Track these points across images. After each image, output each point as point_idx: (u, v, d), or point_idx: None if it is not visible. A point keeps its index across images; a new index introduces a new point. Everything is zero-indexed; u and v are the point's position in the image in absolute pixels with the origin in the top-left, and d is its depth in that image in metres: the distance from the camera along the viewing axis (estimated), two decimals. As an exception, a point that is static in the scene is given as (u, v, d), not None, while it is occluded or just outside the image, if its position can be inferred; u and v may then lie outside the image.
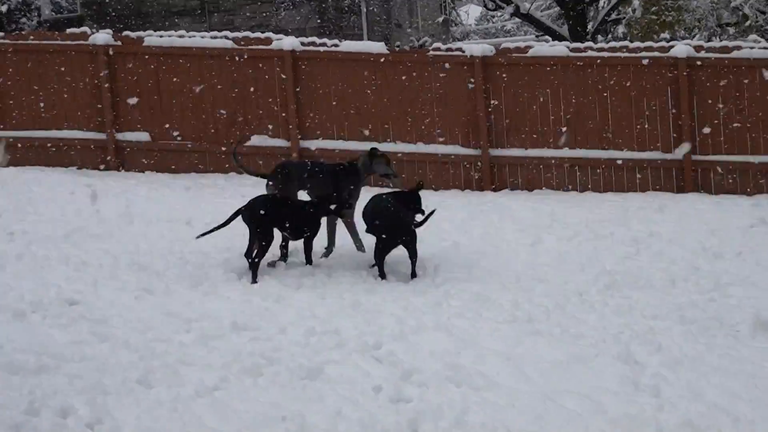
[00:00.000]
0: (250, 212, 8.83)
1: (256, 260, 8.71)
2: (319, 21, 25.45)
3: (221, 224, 9.03)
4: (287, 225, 8.95)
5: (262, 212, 8.79)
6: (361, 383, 6.06)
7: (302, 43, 14.56)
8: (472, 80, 14.07)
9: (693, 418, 5.65)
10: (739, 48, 13.92)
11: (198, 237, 9.14)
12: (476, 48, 14.46)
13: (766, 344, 7.11)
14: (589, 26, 24.30)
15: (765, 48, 14.19)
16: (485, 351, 6.75)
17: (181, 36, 15.20)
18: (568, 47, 14.53)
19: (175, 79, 14.56)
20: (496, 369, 6.39)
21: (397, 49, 16.85)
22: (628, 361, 6.65)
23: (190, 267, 8.92)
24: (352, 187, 9.62)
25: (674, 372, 6.45)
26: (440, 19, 30.85)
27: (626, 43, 15.11)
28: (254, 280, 8.60)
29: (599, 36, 25.70)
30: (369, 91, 14.38)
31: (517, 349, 6.86)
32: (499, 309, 7.93)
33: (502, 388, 6.07)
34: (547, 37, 24.40)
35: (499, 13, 29.96)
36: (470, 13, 44.31)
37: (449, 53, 14.52)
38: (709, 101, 13.71)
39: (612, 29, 27.85)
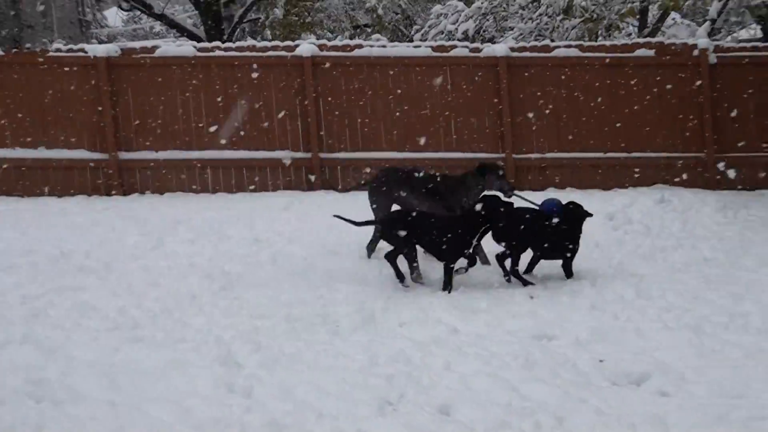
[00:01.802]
0: None
1: None
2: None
3: None
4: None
5: None
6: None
7: None
8: (95, 81, 13.58)
9: (278, 417, 5.62)
10: (360, 46, 14.36)
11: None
12: (100, 48, 13.98)
13: (365, 338, 7.26)
14: (231, 28, 24.23)
15: (384, 46, 14.74)
16: (76, 362, 6.41)
17: None
18: (195, 47, 14.36)
19: None
20: (85, 380, 6.07)
21: (14, 51, 15.92)
22: (228, 363, 6.56)
23: None
24: None
25: (270, 371, 6.42)
26: (78, 20, 29.73)
27: (254, 42, 15.16)
28: None
29: (248, 38, 25.74)
30: (-16, 93, 13.55)
31: (113, 358, 6.58)
32: (102, 317, 7.62)
33: (87, 401, 5.76)
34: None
35: (140, 15, 29.24)
36: (118, 15, 43.01)
37: (71, 54, 13.94)
38: (330, 99, 14.04)
39: (259, 31, 28.02)
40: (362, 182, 11.27)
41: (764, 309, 7.94)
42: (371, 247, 10.13)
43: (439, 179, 10.28)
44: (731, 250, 10.38)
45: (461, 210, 9.78)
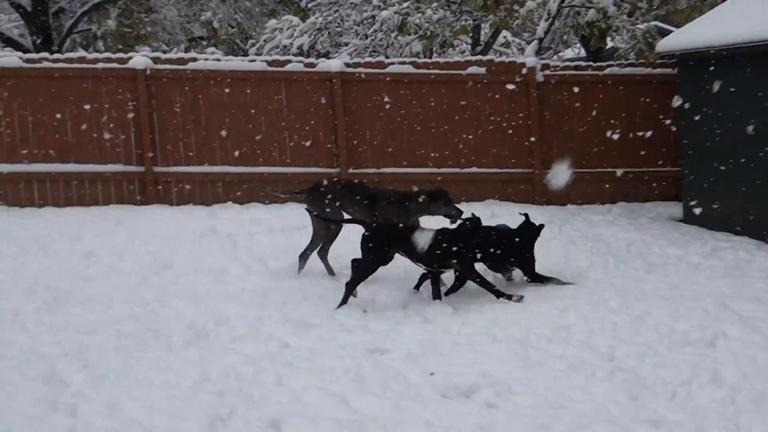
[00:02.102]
0: None
1: None
2: None
3: None
4: None
5: None
6: None
7: None
8: None
9: (106, 435, 5.51)
10: (195, 60, 14.19)
11: None
12: None
13: (197, 354, 7.18)
14: (61, 39, 23.56)
15: (219, 60, 14.63)
16: None
17: None
18: (21, 58, 13.87)
19: None
20: None
21: None
22: (52, 381, 6.39)
23: None
24: None
25: (97, 389, 6.27)
26: None
27: (85, 54, 14.77)
28: None
29: (80, 50, 25.05)
30: None
31: None
32: None
33: None
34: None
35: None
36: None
37: None
38: (164, 113, 13.82)
39: (92, 42, 27.32)
40: (297, 192, 11.07)
41: (586, 321, 8.23)
42: (303, 260, 10.21)
43: (381, 193, 10.40)
44: (556, 264, 10.70)
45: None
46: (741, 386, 6.48)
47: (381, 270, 9.12)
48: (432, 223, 9.77)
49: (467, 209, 12.97)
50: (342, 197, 10.26)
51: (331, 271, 10.14)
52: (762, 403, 6.14)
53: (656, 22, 21.95)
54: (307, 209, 10.17)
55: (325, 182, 10.54)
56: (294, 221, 12.02)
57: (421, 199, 10.12)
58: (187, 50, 24.84)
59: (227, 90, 13.99)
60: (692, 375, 6.74)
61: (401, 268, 9.60)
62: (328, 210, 10.15)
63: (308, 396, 6.27)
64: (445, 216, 10.10)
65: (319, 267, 10.20)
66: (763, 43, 12.32)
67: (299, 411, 6.01)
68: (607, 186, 15.23)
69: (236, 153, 14.05)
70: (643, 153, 15.22)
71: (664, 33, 20.27)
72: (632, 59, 17.79)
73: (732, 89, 13.18)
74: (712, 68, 13.53)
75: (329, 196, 10.23)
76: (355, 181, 10.82)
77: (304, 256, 10.24)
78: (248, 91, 14.08)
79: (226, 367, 6.80)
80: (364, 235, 9.00)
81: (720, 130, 13.56)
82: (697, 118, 13.97)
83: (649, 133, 14.97)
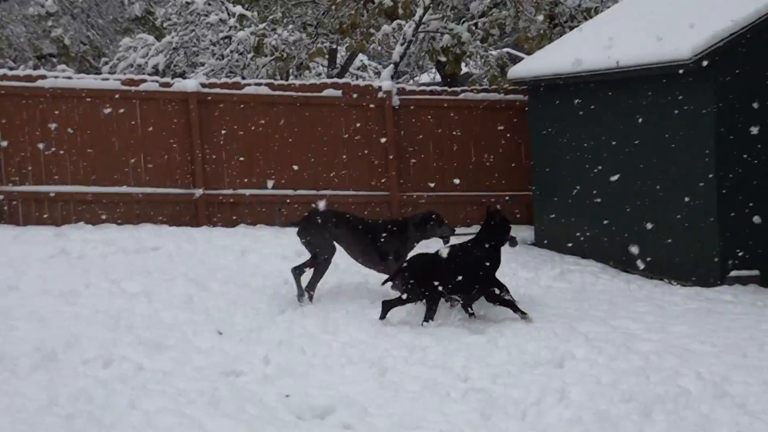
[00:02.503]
0: None
1: None
2: None
3: None
4: None
5: None
6: None
7: None
8: None
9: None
10: (44, 77, 13.82)
11: None
12: None
13: (44, 377, 6.94)
14: None
15: (70, 78, 14.28)
16: None
17: None
18: None
19: None
20: None
21: None
22: None
23: None
24: None
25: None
26: None
27: None
28: None
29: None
30: None
31: None
32: None
33: None
34: None
35: None
36: None
37: None
38: (12, 131, 13.45)
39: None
40: (293, 221, 10.71)
41: (441, 342, 8.33)
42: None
43: (380, 225, 10.29)
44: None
45: (395, 257, 9.94)
46: (587, 405, 6.67)
47: (240, 292, 9.04)
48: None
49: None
50: (337, 228, 10.11)
51: (301, 293, 9.96)
52: (605, 422, 6.35)
53: (508, 49, 22.53)
54: (303, 242, 10.09)
55: (320, 212, 10.32)
56: (147, 242, 11.82)
57: (417, 224, 10.15)
58: (35, 67, 24.13)
59: (78, 108, 13.68)
60: (542, 395, 6.90)
61: (258, 293, 9.54)
62: (321, 241, 9.99)
63: (162, 419, 6.14)
64: (439, 237, 10.15)
65: (169, 293, 9.95)
66: (603, 72, 12.76)
67: (152, 435, 5.89)
68: (468, 209, 15.50)
69: (91, 173, 13.75)
70: (498, 177, 15.57)
71: (515, 59, 20.86)
72: (486, 85, 18.19)
73: (577, 115, 13.64)
74: (559, 94, 13.97)
75: (324, 228, 10.06)
76: (347, 214, 10.74)
77: (311, 286, 10.03)
78: (101, 109, 13.78)
79: (77, 390, 6.60)
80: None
81: (565, 156, 14.00)
82: (545, 143, 14.40)
83: (504, 158, 15.34)
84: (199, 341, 8.20)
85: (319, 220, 10.10)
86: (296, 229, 10.15)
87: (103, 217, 13.63)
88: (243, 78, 17.00)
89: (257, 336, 8.50)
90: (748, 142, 11.49)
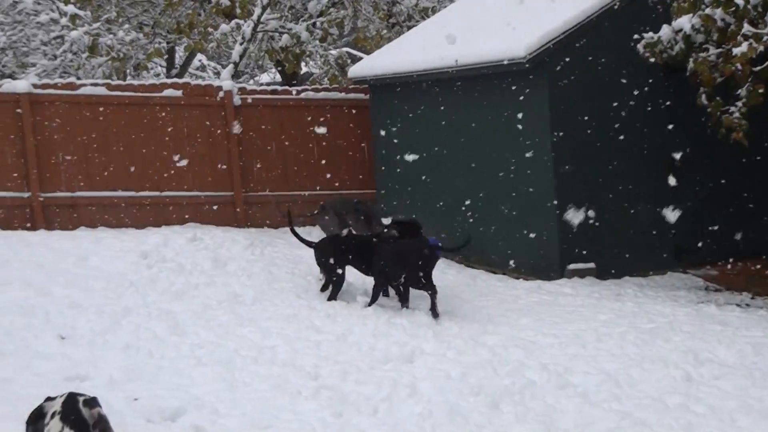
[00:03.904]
0: None
1: None
2: None
3: None
4: None
5: None
6: None
7: None
8: None
9: None
10: None
11: None
12: None
13: None
14: None
15: None
16: None
17: None
18: None
19: None
20: None
21: None
22: None
23: None
24: None
25: None
26: None
27: None
28: None
29: None
30: None
31: None
32: None
33: None
34: None
35: None
36: None
37: None
38: None
39: None
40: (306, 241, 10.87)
41: (290, 342, 8.32)
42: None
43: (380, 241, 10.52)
44: (259, 286, 10.70)
45: None
46: (437, 399, 6.79)
47: (83, 296, 8.76)
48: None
49: (168, 234, 12.84)
50: (350, 250, 10.40)
51: None
52: (456, 416, 6.45)
53: (347, 49, 22.59)
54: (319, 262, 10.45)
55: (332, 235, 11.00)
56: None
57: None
58: None
59: None
60: (393, 390, 6.98)
61: (102, 296, 9.27)
62: (331, 261, 10.29)
63: (0, 427, 5.88)
64: None
65: (3, 298, 9.52)
66: (442, 70, 12.95)
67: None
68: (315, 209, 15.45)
69: None
70: (346, 176, 15.58)
71: (355, 59, 20.95)
72: (326, 84, 18.19)
73: (416, 113, 13.80)
74: (399, 93, 14.10)
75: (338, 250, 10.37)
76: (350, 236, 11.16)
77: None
78: None
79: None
80: None
81: (405, 154, 14.12)
82: (386, 142, 14.51)
83: (352, 157, 15.37)
84: (40, 346, 7.91)
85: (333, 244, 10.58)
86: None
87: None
88: (78, 78, 16.48)
89: (102, 339, 8.27)
90: (581, 138, 11.84)
